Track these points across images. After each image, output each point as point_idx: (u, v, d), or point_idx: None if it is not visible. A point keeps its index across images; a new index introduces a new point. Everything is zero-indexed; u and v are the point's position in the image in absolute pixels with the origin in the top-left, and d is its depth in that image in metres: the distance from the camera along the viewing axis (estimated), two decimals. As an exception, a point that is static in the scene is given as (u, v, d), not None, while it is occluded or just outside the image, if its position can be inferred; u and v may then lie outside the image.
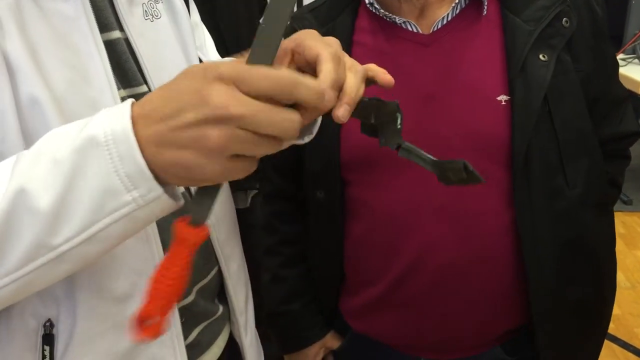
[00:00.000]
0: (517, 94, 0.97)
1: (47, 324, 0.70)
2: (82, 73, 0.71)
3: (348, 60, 0.66)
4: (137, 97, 0.78)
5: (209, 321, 0.88)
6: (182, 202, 0.59)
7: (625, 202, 3.52)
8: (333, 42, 0.65)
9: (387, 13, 1.02)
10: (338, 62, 0.63)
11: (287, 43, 0.66)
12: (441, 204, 1.00)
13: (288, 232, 1.19)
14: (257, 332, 1.01)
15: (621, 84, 1.12)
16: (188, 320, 0.82)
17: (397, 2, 1.02)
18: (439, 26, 1.01)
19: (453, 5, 1.00)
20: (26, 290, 0.62)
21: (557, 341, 1.06)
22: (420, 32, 1.02)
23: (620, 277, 1.02)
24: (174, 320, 0.77)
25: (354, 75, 0.65)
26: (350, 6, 1.07)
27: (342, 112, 0.62)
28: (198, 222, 0.56)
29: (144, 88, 0.80)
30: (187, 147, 0.53)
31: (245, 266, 0.97)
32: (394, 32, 1.03)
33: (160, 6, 0.86)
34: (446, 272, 1.01)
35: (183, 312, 0.80)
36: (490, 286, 1.02)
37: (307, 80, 0.55)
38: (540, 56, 0.98)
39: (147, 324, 0.54)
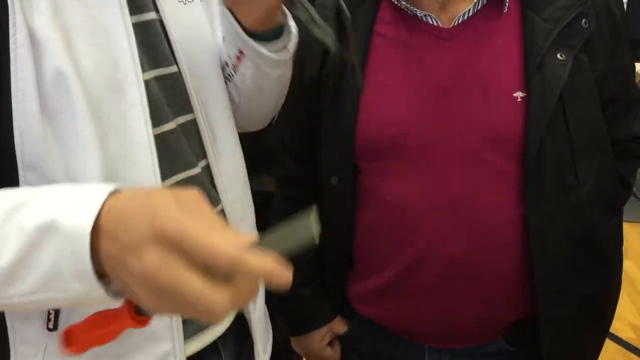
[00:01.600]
0: (533, 91, 0.98)
1: None
2: (110, 55, 0.73)
3: None
4: (166, 77, 0.82)
5: None
6: (122, 299, 0.59)
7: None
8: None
9: (408, 5, 1.03)
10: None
11: None
12: (452, 196, 1.02)
13: None
14: (266, 308, 1.02)
15: (636, 85, 1.13)
16: None
17: None
18: (460, 21, 1.03)
19: (475, 1, 1.02)
20: None
21: (561, 335, 1.07)
22: (441, 26, 1.03)
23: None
24: None
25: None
26: None
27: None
28: (145, 314, 0.58)
29: (174, 68, 0.82)
30: (125, 284, 0.54)
31: None
32: (415, 24, 1.05)
33: None
34: (454, 264, 1.03)
35: None
36: (497, 278, 1.04)
37: (251, 260, 0.50)
38: (558, 55, 0.99)
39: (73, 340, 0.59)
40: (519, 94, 1.00)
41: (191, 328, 0.83)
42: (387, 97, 1.05)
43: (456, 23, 1.03)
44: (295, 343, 1.29)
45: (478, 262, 1.03)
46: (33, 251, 0.58)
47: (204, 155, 0.86)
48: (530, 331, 1.09)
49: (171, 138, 0.81)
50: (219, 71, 0.91)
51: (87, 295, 0.58)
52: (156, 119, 0.79)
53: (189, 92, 0.84)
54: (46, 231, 0.58)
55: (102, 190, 0.57)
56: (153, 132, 0.77)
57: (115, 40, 0.74)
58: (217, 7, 0.91)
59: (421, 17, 1.04)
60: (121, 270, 0.54)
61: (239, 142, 0.94)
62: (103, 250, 0.55)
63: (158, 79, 0.81)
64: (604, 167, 1.05)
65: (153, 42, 0.80)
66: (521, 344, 1.12)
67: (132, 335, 0.73)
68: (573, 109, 1.00)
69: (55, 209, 0.59)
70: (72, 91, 0.69)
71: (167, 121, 0.81)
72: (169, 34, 0.82)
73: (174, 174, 0.81)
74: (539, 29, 1.00)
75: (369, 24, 1.07)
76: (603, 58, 1.04)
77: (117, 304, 0.58)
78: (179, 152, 0.82)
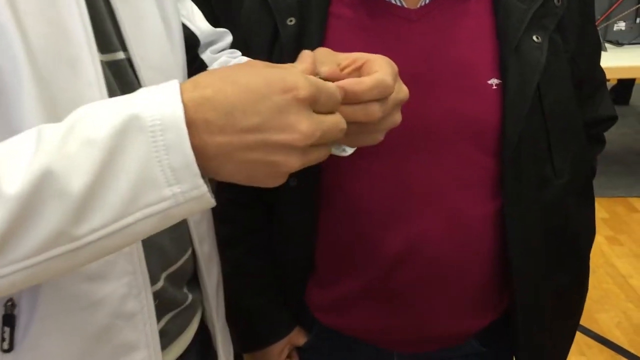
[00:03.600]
0: (509, 77, 0.91)
1: (9, 303, 0.63)
2: (60, 28, 0.63)
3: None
4: (114, 63, 0.70)
5: (177, 310, 0.81)
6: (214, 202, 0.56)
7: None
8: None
9: None
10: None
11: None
12: (427, 193, 0.94)
13: (248, 219, 1.09)
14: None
15: (601, 67, 1.08)
16: (157, 307, 0.75)
17: None
18: (427, 1, 0.93)
19: None
20: (29, 281, 0.55)
21: (536, 330, 1.03)
22: (406, 6, 0.93)
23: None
24: (147, 304, 0.71)
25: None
26: None
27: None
28: None
29: (121, 55, 0.71)
30: (255, 167, 0.54)
31: (217, 247, 0.92)
32: (377, 5, 0.94)
33: None
34: (433, 266, 0.95)
35: (155, 296, 0.73)
36: (474, 278, 0.98)
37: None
38: (534, 37, 0.92)
39: None
40: (494, 81, 0.92)
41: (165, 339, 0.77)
42: None
43: (423, 3, 0.93)
44: (249, 360, 1.17)
45: (455, 263, 0.96)
46: (114, 163, 0.50)
47: None
48: (503, 330, 1.03)
49: None
50: (173, 67, 0.80)
51: (185, 202, 0.53)
52: None
53: (140, 81, 0.73)
54: (124, 132, 0.50)
55: (170, 84, 0.53)
56: None
57: (65, 13, 0.63)
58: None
59: None
60: (250, 155, 0.53)
61: None
62: (210, 143, 0.52)
63: (108, 64, 0.69)
64: (578, 156, 1.00)
65: (96, 22, 0.68)
66: (494, 343, 1.06)
67: (107, 344, 0.68)
68: (548, 95, 0.94)
69: (127, 108, 0.52)
70: (13, 47, 0.58)
71: None
72: (117, 16, 0.70)
73: None
74: (513, 8, 0.92)
75: (324, 3, 0.96)
76: (572, 37, 0.98)
77: (213, 204, 0.56)
78: None
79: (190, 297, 0.84)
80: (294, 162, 0.54)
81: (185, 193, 0.52)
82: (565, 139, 0.97)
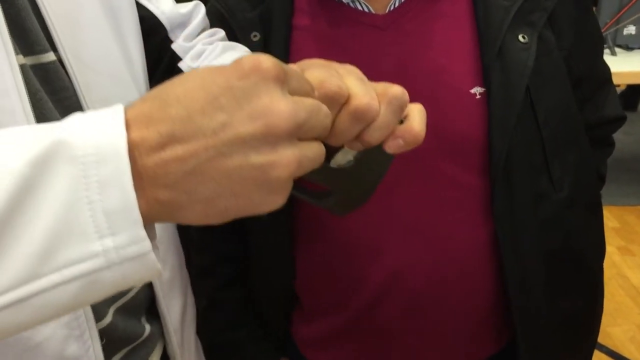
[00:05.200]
0: (493, 85, 0.80)
1: None
2: None
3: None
4: (42, 67, 0.60)
5: (132, 345, 0.71)
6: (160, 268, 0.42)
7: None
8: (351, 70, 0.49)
9: None
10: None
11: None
12: (410, 221, 0.84)
13: (224, 249, 1.01)
14: (199, 346, 0.86)
15: (605, 63, 0.97)
16: (106, 346, 0.65)
17: None
18: (396, 4, 0.83)
19: None
20: None
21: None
22: (373, 12, 0.83)
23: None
24: (93, 345, 0.61)
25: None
26: None
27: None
28: None
29: (51, 56, 0.61)
30: (240, 179, 0.39)
31: (185, 271, 0.81)
32: (341, 12, 0.84)
33: None
34: (419, 298, 0.86)
35: (101, 334, 0.63)
36: (469, 310, 0.88)
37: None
38: (520, 37, 0.81)
39: None
40: (477, 90, 0.81)
41: None
42: None
43: (392, 7, 0.83)
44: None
45: (445, 294, 0.86)
46: (26, 202, 0.37)
47: None
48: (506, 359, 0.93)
49: None
50: (119, 61, 0.70)
51: (119, 262, 0.39)
52: (40, 118, 0.57)
53: (75, 88, 0.63)
54: (44, 163, 0.38)
55: (114, 106, 0.41)
56: None
57: None
58: None
59: (347, 2, 0.83)
60: (215, 161, 0.39)
61: None
62: (161, 159, 0.39)
63: (33, 68, 0.59)
64: (581, 163, 0.89)
65: (18, 20, 0.59)
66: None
67: None
68: (541, 100, 0.83)
69: (53, 133, 0.39)
70: None
71: (54, 119, 0.59)
72: (42, 10, 0.61)
73: None
74: (493, 6, 0.81)
75: (287, 15, 0.86)
76: (568, 32, 0.86)
77: (158, 274, 0.41)
78: None
79: (148, 328, 0.73)
80: (287, 157, 0.40)
81: (120, 249, 0.39)
82: (563, 147, 0.86)
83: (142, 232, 0.39)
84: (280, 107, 0.39)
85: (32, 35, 0.59)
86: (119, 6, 0.71)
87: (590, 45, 0.91)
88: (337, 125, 0.45)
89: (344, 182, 0.51)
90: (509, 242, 0.84)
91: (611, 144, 1.01)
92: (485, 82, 0.81)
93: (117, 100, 0.66)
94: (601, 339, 2.35)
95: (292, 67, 0.45)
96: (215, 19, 0.88)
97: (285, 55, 0.86)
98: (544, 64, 0.83)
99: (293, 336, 1.01)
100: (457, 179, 0.83)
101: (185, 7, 0.84)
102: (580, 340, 0.97)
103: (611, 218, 3.15)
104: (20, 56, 0.57)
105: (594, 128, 0.96)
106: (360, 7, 0.83)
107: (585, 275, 0.94)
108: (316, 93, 0.44)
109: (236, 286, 1.01)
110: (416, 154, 0.81)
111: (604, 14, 2.72)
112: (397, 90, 0.47)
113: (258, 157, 0.39)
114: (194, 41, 0.83)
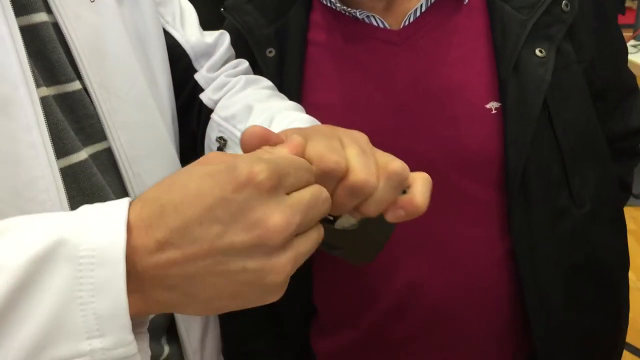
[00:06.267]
0: (509, 100, 0.79)
1: None
2: None
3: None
4: (67, 96, 0.61)
5: None
6: None
7: (636, 196, 3.22)
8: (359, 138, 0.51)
9: (345, 7, 0.82)
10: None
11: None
12: (426, 236, 0.84)
13: None
14: None
15: (630, 72, 0.94)
16: None
17: None
18: (411, 20, 0.82)
19: None
20: None
21: None
22: (388, 27, 0.83)
23: (630, 276, 0.90)
24: None
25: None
26: None
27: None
28: None
29: (77, 85, 0.62)
30: (237, 282, 0.42)
31: None
32: (356, 28, 0.84)
33: None
34: (436, 313, 0.85)
35: None
36: (486, 326, 0.87)
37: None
38: (537, 51, 0.80)
39: None
40: (493, 105, 0.80)
41: None
42: (332, 121, 0.84)
43: (406, 23, 0.82)
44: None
45: (462, 309, 0.85)
46: (23, 299, 0.40)
47: (124, 193, 0.66)
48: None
49: (82, 172, 0.62)
50: (144, 88, 0.70)
51: None
52: (61, 148, 0.59)
53: (99, 115, 0.64)
54: (43, 260, 0.40)
55: (119, 203, 0.44)
56: (58, 164, 0.58)
57: None
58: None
59: (362, 18, 0.83)
60: (214, 266, 0.42)
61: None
62: (162, 262, 0.42)
63: (57, 98, 0.61)
64: (602, 176, 0.87)
65: (45, 52, 0.60)
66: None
67: None
68: (560, 114, 0.82)
69: (52, 233, 0.41)
70: None
71: (74, 151, 0.61)
72: (69, 41, 0.62)
73: None
74: (510, 20, 0.80)
75: (303, 30, 0.87)
76: (589, 43, 0.85)
77: None
78: (93, 189, 0.63)
79: (167, 350, 0.74)
80: (282, 263, 0.43)
81: (106, 350, 0.41)
82: (584, 162, 0.85)
83: (130, 336, 0.41)
84: (275, 219, 0.42)
85: (57, 66, 0.61)
86: (147, 34, 0.72)
87: (613, 55, 0.90)
88: (335, 198, 0.46)
89: (351, 241, 0.53)
90: (527, 257, 0.83)
91: (637, 154, 0.98)
92: (501, 97, 0.80)
93: (141, 126, 0.68)
94: (635, 341, 2.27)
95: (296, 137, 0.47)
96: (233, 35, 0.89)
97: (300, 70, 0.86)
98: (563, 78, 0.82)
99: (313, 348, 1.01)
100: (473, 194, 0.82)
101: (211, 36, 0.84)
102: (603, 356, 0.95)
103: (629, 220, 3.06)
104: (44, 87, 0.58)
105: (619, 140, 0.94)
106: (375, 23, 0.83)
107: (608, 290, 0.92)
108: (314, 168, 0.45)
109: None
110: (432, 169, 0.81)
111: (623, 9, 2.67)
112: (397, 165, 0.48)
113: (253, 264, 0.42)
114: (218, 72, 0.83)
